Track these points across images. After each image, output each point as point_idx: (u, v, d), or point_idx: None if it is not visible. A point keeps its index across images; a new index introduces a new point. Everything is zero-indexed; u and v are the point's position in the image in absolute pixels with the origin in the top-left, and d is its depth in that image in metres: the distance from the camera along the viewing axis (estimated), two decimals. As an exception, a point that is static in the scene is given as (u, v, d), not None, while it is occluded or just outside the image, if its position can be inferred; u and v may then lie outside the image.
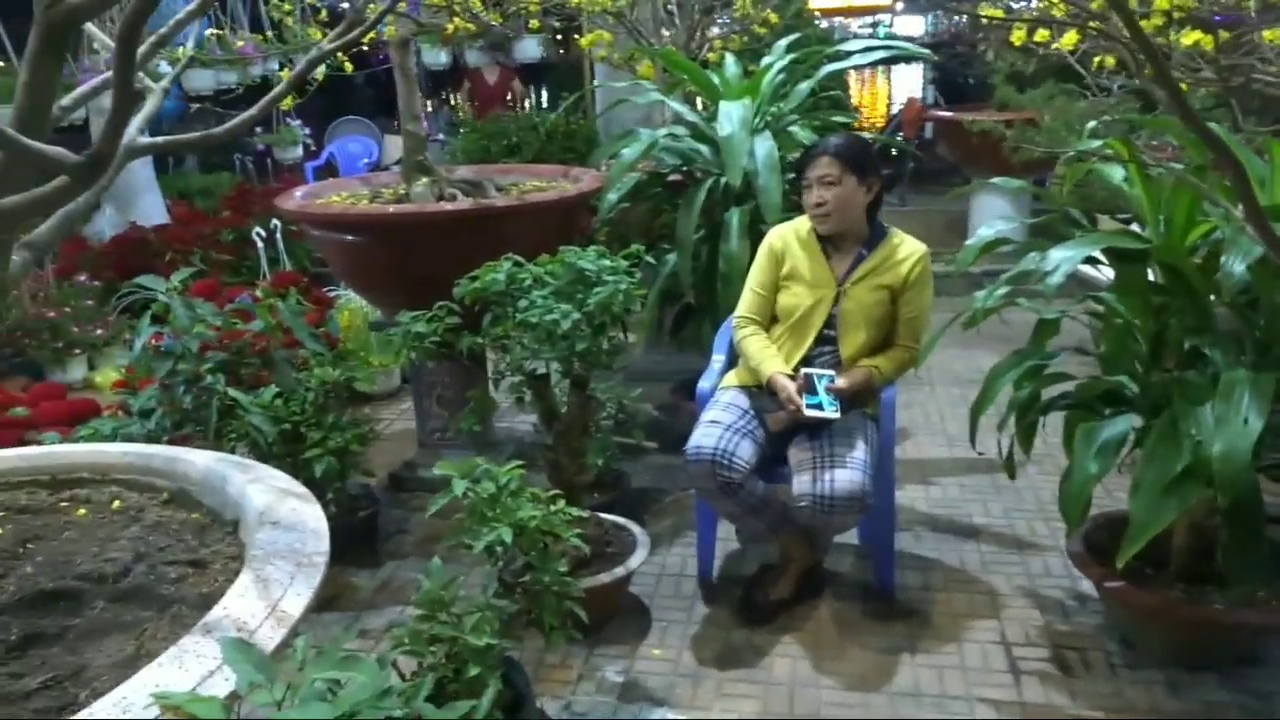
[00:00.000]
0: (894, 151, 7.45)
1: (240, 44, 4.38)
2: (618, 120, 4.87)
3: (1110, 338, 2.22)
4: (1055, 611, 2.35)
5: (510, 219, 2.75)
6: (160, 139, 1.63)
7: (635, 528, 2.47)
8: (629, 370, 3.71)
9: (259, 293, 3.34)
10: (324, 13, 2.63)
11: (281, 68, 4.83)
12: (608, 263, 2.24)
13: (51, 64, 1.19)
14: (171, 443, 2.25)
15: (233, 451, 2.41)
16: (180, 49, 2.56)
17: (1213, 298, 1.95)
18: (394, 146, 7.79)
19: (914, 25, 11.63)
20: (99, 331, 4.20)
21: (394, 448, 3.48)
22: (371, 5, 1.74)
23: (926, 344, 2.38)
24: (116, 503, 1.73)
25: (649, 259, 2.41)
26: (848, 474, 2.12)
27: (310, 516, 1.55)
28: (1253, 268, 1.72)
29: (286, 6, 2.68)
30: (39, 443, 2.23)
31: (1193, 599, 2.03)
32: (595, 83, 5.54)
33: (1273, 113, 3.11)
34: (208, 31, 5.61)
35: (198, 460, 1.76)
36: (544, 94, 9.63)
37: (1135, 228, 2.38)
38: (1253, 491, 1.79)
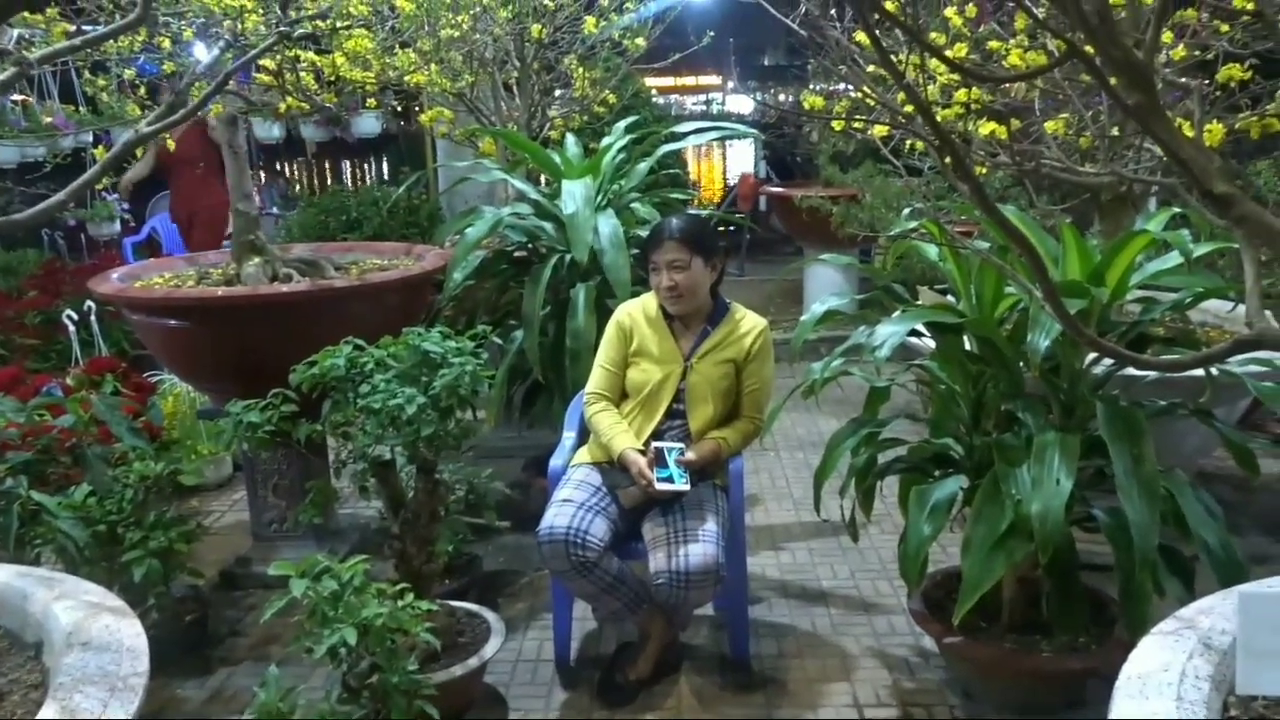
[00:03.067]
0: (731, 224, 7.76)
1: (48, 118, 4.10)
2: (460, 196, 4.86)
3: (935, 403, 2.36)
4: (902, 670, 2.43)
5: (351, 300, 2.67)
6: (-47, 224, 1.49)
7: (489, 614, 2.39)
8: (479, 448, 3.63)
9: (70, 381, 3.08)
10: (143, 89, 2.50)
11: (97, 143, 4.55)
12: (453, 344, 2.21)
13: None
14: (-38, 555, 2.03)
15: (36, 561, 2.18)
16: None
17: (1022, 364, 2.11)
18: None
19: (745, 103, 12.32)
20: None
21: (226, 542, 3.24)
22: (197, 88, 1.67)
23: (770, 414, 2.46)
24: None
25: (495, 338, 2.39)
26: (700, 548, 2.14)
27: (126, 633, 1.41)
28: (1056, 341, 1.88)
29: (101, 81, 2.53)
30: None
31: (1023, 649, 2.14)
32: (437, 161, 5.53)
33: (1060, 190, 3.47)
34: (14, 97, 5.25)
35: (-8, 578, 1.58)
36: (384, 167, 9.51)
37: (952, 298, 2.57)
38: (1068, 546, 1.93)
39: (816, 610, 2.74)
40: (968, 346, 2.20)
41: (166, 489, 2.60)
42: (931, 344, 2.35)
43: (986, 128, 2.42)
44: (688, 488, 2.23)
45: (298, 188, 8.52)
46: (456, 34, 3.45)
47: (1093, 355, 2.12)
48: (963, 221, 3.72)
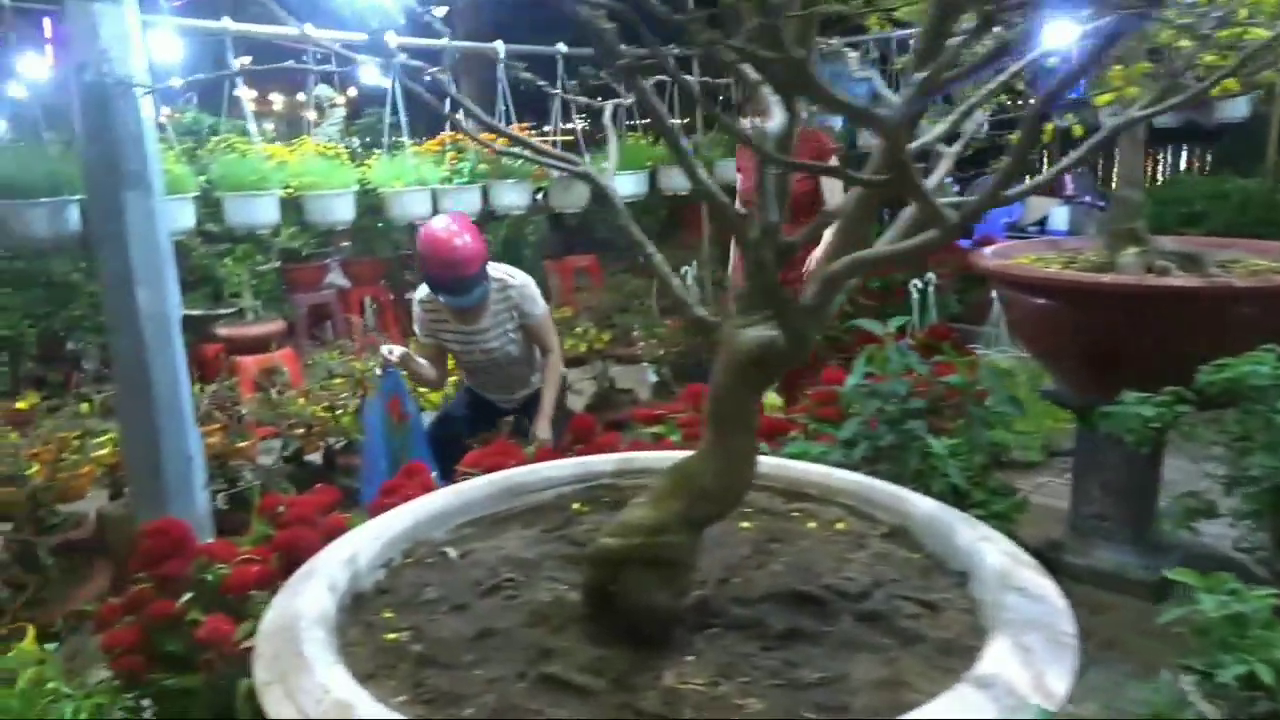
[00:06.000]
0: None
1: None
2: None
3: None
4: None
5: (1248, 302, 2.40)
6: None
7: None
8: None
9: (913, 342, 3.44)
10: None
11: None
12: None
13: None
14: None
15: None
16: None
17: None
18: (1034, 206, 7.55)
19: None
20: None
21: (1032, 522, 3.29)
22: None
23: None
24: (840, 524, 1.88)
25: None
26: None
27: (1049, 590, 1.50)
28: None
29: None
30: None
31: None
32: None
33: None
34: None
35: (921, 504, 1.83)
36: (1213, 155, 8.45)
37: None
38: None
39: None
40: None
41: (1002, 457, 2.74)
42: None
43: None
44: None
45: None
46: None
47: None
48: None
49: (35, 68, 6.59)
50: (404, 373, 3.39)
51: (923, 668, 1.37)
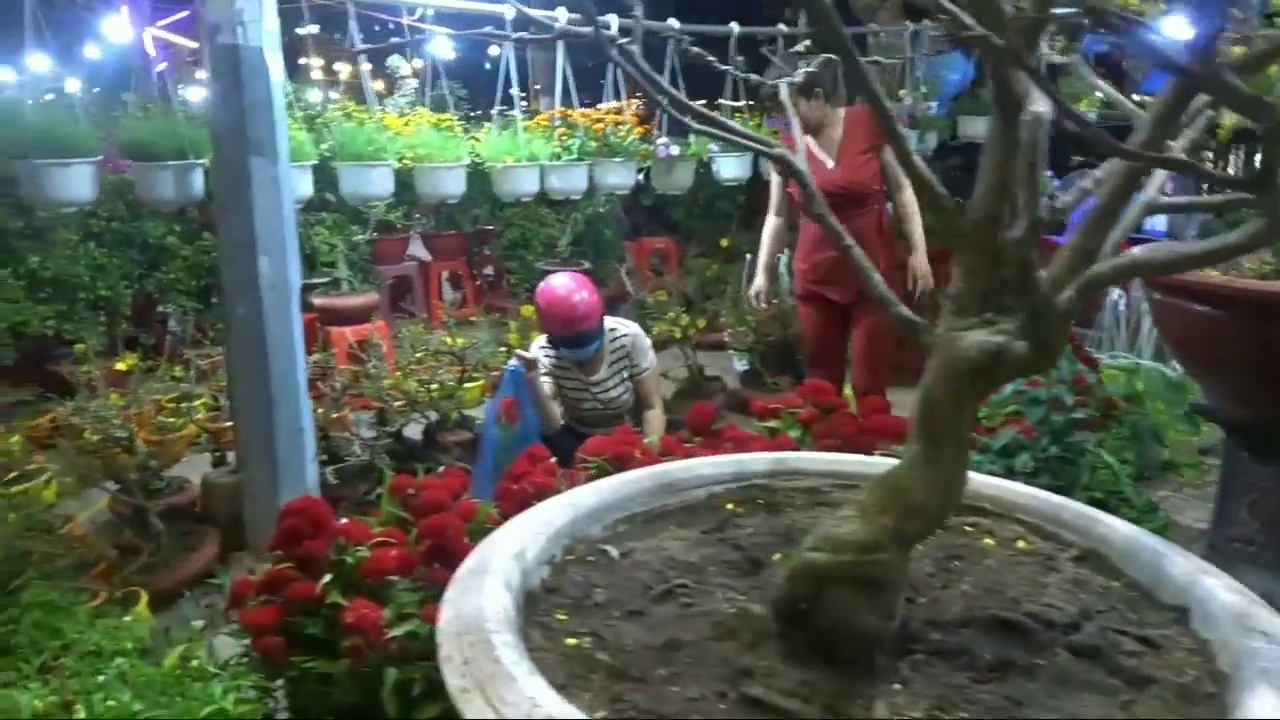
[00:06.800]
0: None
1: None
2: None
3: None
4: None
5: None
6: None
7: None
8: None
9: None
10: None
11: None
12: None
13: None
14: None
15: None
16: None
17: None
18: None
19: None
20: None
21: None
22: None
23: None
24: (1021, 543, 1.75)
25: None
26: None
27: (1293, 636, 1.36)
28: None
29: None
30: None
31: None
32: None
33: None
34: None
35: (1119, 527, 1.69)
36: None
37: None
38: None
39: None
40: None
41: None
42: None
43: None
44: None
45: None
46: None
47: None
48: None
49: (117, 30, 6.58)
50: (530, 374, 3.40)
51: (1163, 715, 1.25)
